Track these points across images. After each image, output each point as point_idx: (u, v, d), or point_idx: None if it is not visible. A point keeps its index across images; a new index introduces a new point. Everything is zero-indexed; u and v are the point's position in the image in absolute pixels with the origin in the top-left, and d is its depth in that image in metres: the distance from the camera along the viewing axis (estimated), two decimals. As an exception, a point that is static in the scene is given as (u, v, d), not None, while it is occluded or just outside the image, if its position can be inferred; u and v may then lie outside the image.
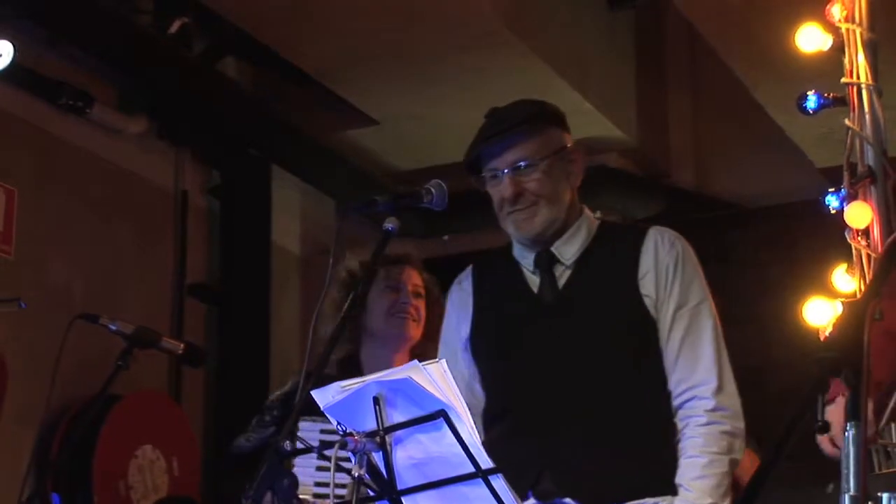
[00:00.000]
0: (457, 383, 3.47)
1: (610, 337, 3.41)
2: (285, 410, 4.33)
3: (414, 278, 4.47)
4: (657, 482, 3.32)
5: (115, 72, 6.72)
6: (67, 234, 6.49)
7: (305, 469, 4.09)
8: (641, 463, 3.33)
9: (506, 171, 3.47)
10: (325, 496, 4.01)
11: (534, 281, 3.53)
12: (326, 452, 2.80)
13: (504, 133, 3.47)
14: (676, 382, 3.39)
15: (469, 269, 3.68)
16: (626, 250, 3.49)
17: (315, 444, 4.07)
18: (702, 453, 3.30)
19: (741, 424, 3.38)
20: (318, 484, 4.10)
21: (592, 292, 3.47)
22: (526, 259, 3.55)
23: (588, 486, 3.30)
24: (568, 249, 3.51)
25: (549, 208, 3.48)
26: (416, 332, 4.39)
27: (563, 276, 3.50)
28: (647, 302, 3.42)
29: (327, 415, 2.85)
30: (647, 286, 3.43)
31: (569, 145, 3.56)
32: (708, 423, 3.33)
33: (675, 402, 3.38)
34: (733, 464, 3.33)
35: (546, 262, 3.52)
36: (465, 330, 3.61)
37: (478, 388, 3.56)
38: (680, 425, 3.37)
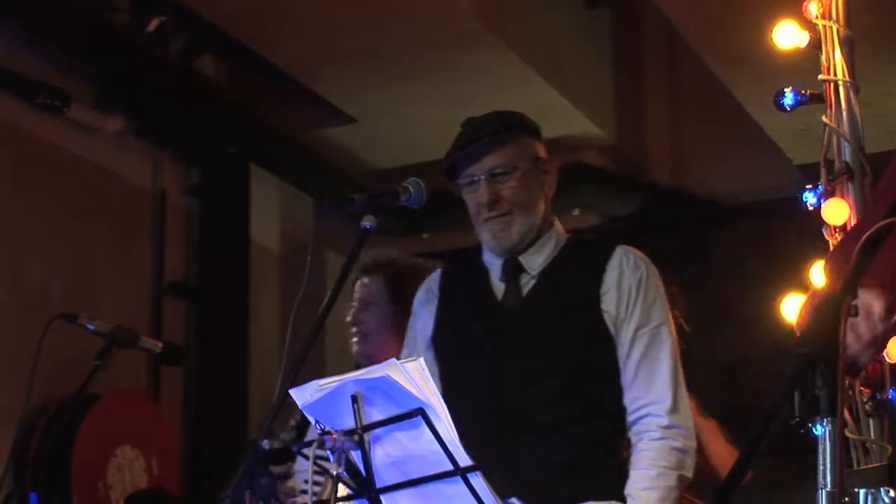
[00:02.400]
0: None
1: (565, 347, 3.48)
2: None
3: (356, 291, 4.46)
4: (603, 488, 3.40)
5: (92, 70, 6.70)
6: (45, 234, 6.47)
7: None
8: (588, 470, 3.41)
9: (483, 176, 3.54)
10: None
11: (499, 288, 3.60)
12: (306, 451, 2.79)
13: (482, 139, 3.54)
14: (632, 399, 3.47)
15: (438, 272, 3.77)
16: (591, 265, 3.56)
17: None
18: (651, 466, 3.38)
19: (693, 443, 3.47)
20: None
21: (553, 303, 3.54)
22: (494, 266, 3.62)
23: (534, 488, 3.36)
24: (535, 259, 3.58)
25: (524, 217, 3.56)
26: (368, 347, 4.38)
27: (527, 285, 3.58)
28: (607, 318, 3.49)
29: (305, 413, 2.85)
30: (608, 302, 3.50)
31: (543, 156, 3.64)
32: (661, 439, 3.41)
33: (630, 419, 3.47)
34: (682, 480, 3.42)
35: (512, 271, 3.59)
36: (429, 330, 3.67)
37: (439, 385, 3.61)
38: (633, 440, 3.45)
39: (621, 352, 3.49)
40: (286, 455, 3.86)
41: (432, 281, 3.74)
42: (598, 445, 3.44)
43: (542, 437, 3.41)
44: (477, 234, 3.62)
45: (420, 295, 3.75)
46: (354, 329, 4.46)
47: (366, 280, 4.48)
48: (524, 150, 3.59)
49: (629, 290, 3.51)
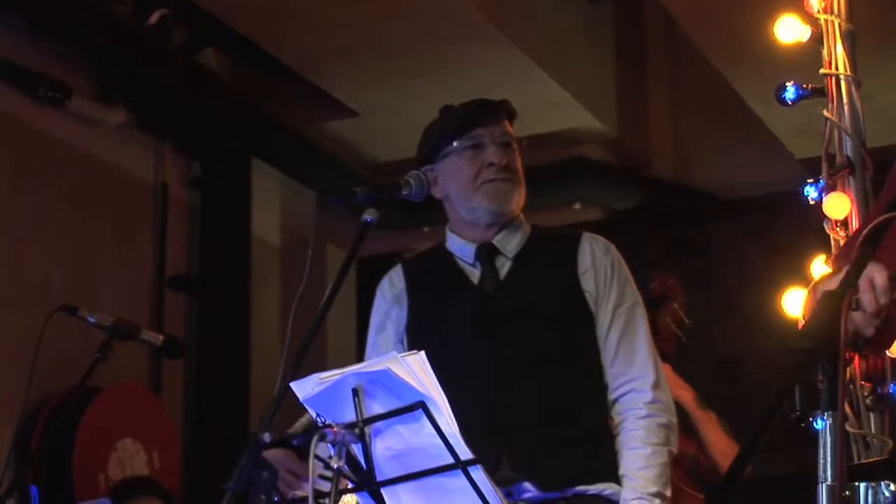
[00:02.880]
0: None
1: (550, 327, 3.49)
2: None
3: None
4: (601, 470, 3.41)
5: (94, 63, 6.70)
6: (46, 227, 6.47)
7: None
8: (585, 451, 3.42)
9: (492, 140, 3.55)
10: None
11: (473, 273, 3.58)
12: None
13: (496, 106, 3.61)
14: (615, 376, 3.49)
15: (398, 267, 3.70)
16: (563, 249, 3.59)
17: None
18: (644, 444, 3.40)
19: (675, 419, 3.51)
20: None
21: (533, 285, 3.54)
22: (465, 252, 3.59)
23: (542, 470, 3.34)
24: (510, 242, 3.58)
25: (520, 191, 3.58)
26: None
27: (503, 267, 3.56)
28: (588, 297, 3.52)
29: (306, 406, 2.85)
30: (587, 282, 3.53)
31: None
32: (647, 416, 3.43)
33: (613, 395, 3.49)
34: (671, 455, 3.44)
35: (487, 254, 3.57)
36: (402, 324, 3.62)
37: None
38: (618, 418, 3.47)
39: (601, 331, 3.51)
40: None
41: (394, 275, 3.68)
42: (593, 424, 3.45)
43: (538, 421, 3.41)
44: (468, 202, 3.55)
45: (384, 290, 3.68)
46: None
47: None
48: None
49: (605, 270, 3.54)
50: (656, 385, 3.47)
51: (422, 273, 3.67)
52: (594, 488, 3.38)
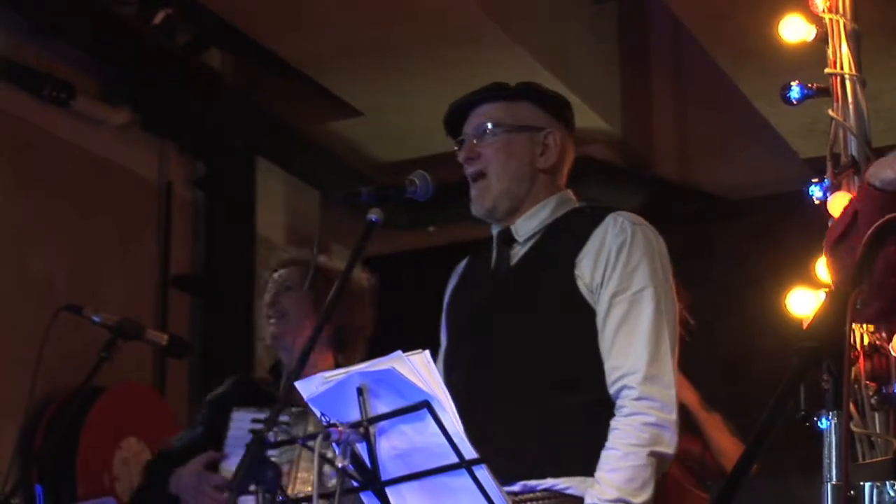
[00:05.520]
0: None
1: (538, 315, 3.38)
2: (213, 412, 4.34)
3: (275, 278, 4.46)
4: (567, 464, 3.25)
5: (98, 63, 6.70)
6: (50, 226, 6.47)
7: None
8: (551, 443, 3.26)
9: (470, 133, 3.52)
10: None
11: (494, 259, 3.54)
12: (310, 444, 2.79)
13: (472, 96, 3.55)
14: (610, 370, 3.30)
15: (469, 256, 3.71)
16: (579, 233, 3.43)
17: (245, 432, 4.13)
18: (618, 445, 3.20)
19: (671, 416, 3.25)
20: None
21: (534, 272, 3.44)
22: (494, 237, 3.57)
23: (501, 461, 3.18)
24: (525, 226, 3.50)
25: (500, 182, 3.48)
26: (285, 327, 4.37)
27: (517, 254, 3.50)
28: (580, 284, 3.35)
29: (311, 406, 2.85)
30: (582, 269, 3.35)
31: (543, 126, 3.54)
32: (630, 414, 3.23)
33: (611, 391, 3.29)
34: (657, 456, 3.22)
35: (503, 240, 3.52)
36: (446, 305, 3.65)
37: None
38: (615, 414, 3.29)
39: (599, 319, 3.32)
40: None
41: (461, 263, 3.69)
42: (572, 418, 3.28)
43: (509, 411, 3.30)
44: None
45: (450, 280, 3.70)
46: (272, 311, 4.43)
47: (283, 271, 4.48)
48: (517, 113, 3.53)
49: (608, 254, 3.34)
50: (648, 379, 3.24)
51: (474, 259, 3.65)
52: (545, 483, 3.24)
